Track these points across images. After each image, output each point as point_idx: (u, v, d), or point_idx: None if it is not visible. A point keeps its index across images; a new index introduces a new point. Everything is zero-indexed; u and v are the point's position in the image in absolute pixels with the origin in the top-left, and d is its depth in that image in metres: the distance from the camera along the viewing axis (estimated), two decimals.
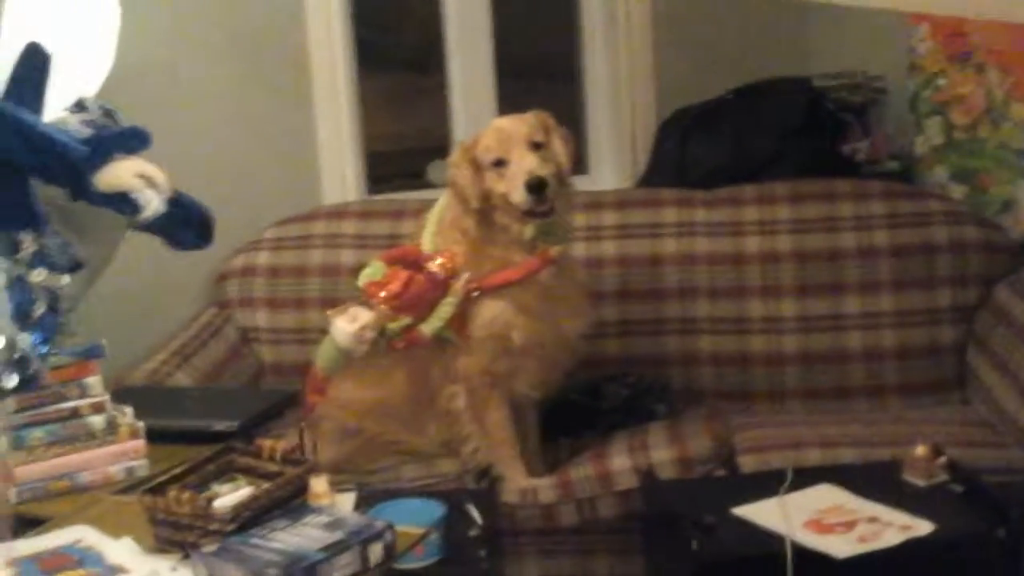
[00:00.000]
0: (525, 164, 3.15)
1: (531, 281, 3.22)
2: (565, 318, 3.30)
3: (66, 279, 2.60)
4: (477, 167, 3.22)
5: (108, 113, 2.78)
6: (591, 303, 3.45)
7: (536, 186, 3.13)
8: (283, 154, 4.09)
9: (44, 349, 2.54)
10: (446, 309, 3.17)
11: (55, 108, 2.66)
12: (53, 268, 2.57)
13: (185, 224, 2.75)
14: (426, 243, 3.28)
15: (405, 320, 3.13)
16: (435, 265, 3.17)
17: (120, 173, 2.56)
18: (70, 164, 2.52)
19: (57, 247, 2.60)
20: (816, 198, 3.82)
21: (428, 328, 3.17)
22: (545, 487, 3.27)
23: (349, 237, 3.88)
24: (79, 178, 2.53)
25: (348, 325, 3.06)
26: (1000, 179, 3.88)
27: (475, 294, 3.19)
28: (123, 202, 2.58)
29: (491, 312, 3.21)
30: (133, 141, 2.62)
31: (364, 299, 3.12)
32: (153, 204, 2.60)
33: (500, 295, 3.21)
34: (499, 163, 3.19)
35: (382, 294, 3.10)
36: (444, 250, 3.21)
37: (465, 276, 3.17)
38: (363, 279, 3.17)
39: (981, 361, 3.59)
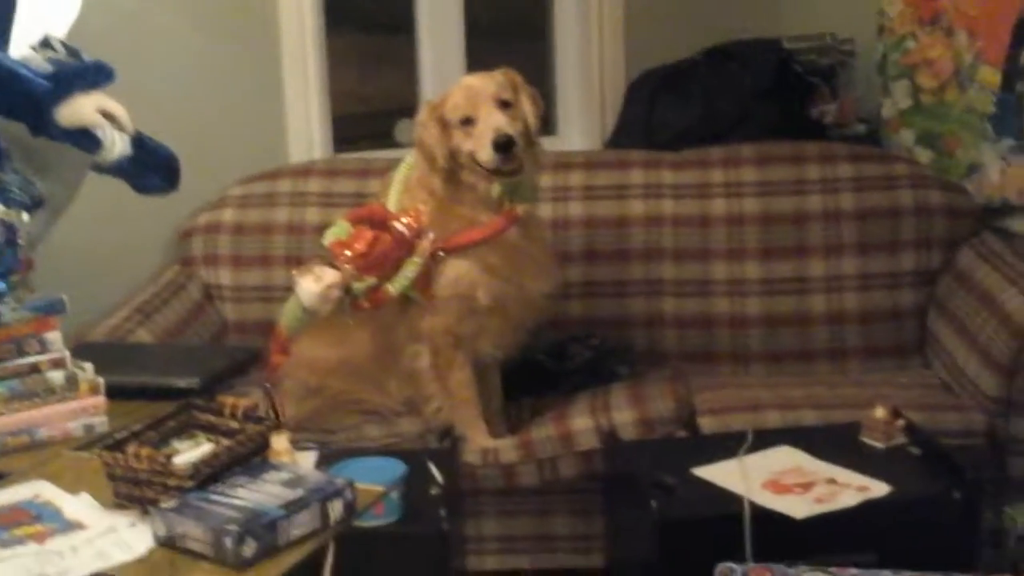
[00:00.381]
0: (492, 122, 3.14)
1: (497, 241, 3.21)
2: (530, 278, 3.30)
3: (26, 216, 2.58)
4: (444, 125, 3.20)
5: (73, 52, 2.75)
6: (557, 263, 3.45)
7: (504, 144, 3.12)
8: (249, 112, 4.06)
9: (1, 285, 2.51)
10: (411, 268, 3.16)
11: (20, 45, 2.63)
12: (13, 204, 2.54)
13: (150, 168, 2.73)
14: (392, 202, 3.27)
15: (371, 280, 3.12)
16: (401, 224, 3.16)
17: (81, 108, 2.54)
18: (32, 98, 2.49)
19: (18, 183, 2.58)
20: (783, 160, 3.83)
21: (393, 287, 3.16)
22: (506, 447, 3.28)
23: (315, 195, 3.86)
24: (40, 112, 2.50)
25: (313, 285, 3.05)
26: (966, 143, 3.89)
27: (440, 254, 3.18)
28: (85, 138, 2.55)
29: (456, 271, 3.20)
30: (96, 76, 2.59)
31: (329, 259, 3.11)
32: (118, 146, 2.58)
33: (465, 255, 3.20)
34: (467, 121, 3.18)
35: (347, 253, 3.09)
36: (410, 209, 3.20)
37: (430, 235, 3.16)
38: (329, 238, 3.15)
39: (942, 325, 3.61)
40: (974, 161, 3.88)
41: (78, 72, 2.58)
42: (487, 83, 3.21)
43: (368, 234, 3.13)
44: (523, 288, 3.29)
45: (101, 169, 2.70)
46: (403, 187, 3.30)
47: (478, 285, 3.21)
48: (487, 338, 3.30)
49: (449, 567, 2.74)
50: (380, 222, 3.17)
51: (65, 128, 2.52)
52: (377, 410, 3.36)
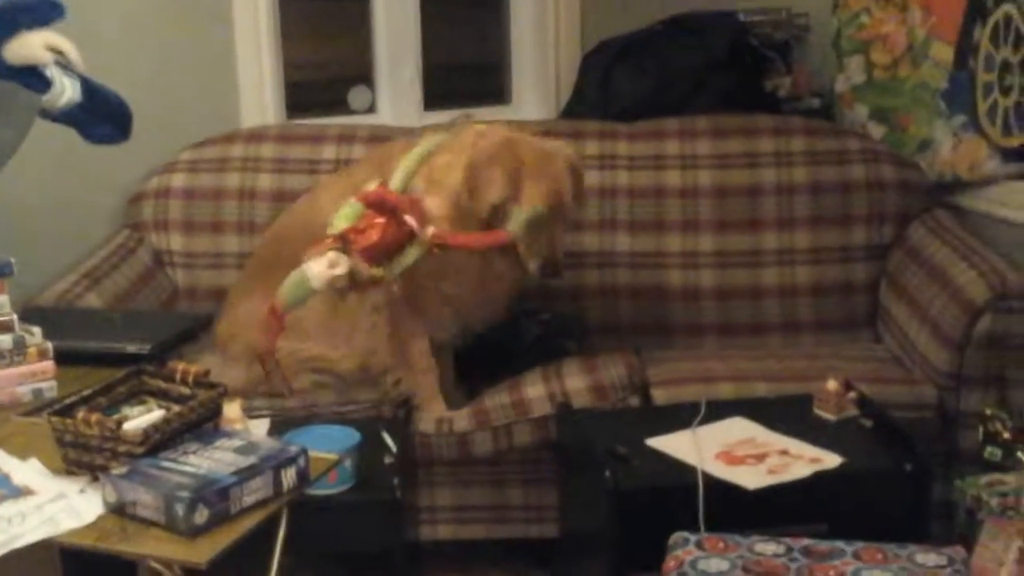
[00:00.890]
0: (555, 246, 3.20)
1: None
2: (497, 280, 3.31)
3: None
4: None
5: None
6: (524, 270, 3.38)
7: (549, 272, 3.21)
8: (201, 76, 4.00)
9: None
10: (410, 258, 3.11)
11: None
12: None
13: (101, 116, 2.68)
14: (396, 180, 3.22)
15: (376, 270, 3.08)
16: (411, 219, 3.10)
17: (30, 44, 2.48)
18: None
19: None
20: (737, 133, 3.84)
21: (389, 273, 3.11)
22: (461, 416, 3.27)
23: (268, 161, 3.82)
24: None
25: (327, 270, 2.99)
26: (919, 119, 3.91)
27: (436, 250, 3.13)
28: (32, 76, 2.50)
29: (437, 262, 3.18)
30: (46, 11, 2.53)
31: (342, 244, 3.04)
32: (68, 92, 2.53)
33: (456, 252, 3.18)
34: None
35: (360, 243, 3.04)
36: (418, 196, 3.17)
37: (430, 229, 3.12)
38: (341, 221, 3.08)
39: (893, 299, 3.63)
40: (926, 137, 3.89)
41: (26, 6, 2.51)
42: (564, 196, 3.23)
43: (379, 223, 3.07)
44: (486, 288, 3.32)
45: (50, 116, 2.64)
46: (419, 170, 3.24)
47: (448, 278, 3.22)
48: (441, 324, 3.31)
49: (402, 536, 2.73)
50: (391, 209, 3.12)
51: (12, 65, 2.45)
52: (330, 370, 3.33)
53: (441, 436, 3.25)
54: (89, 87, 2.61)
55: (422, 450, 3.24)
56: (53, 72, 2.51)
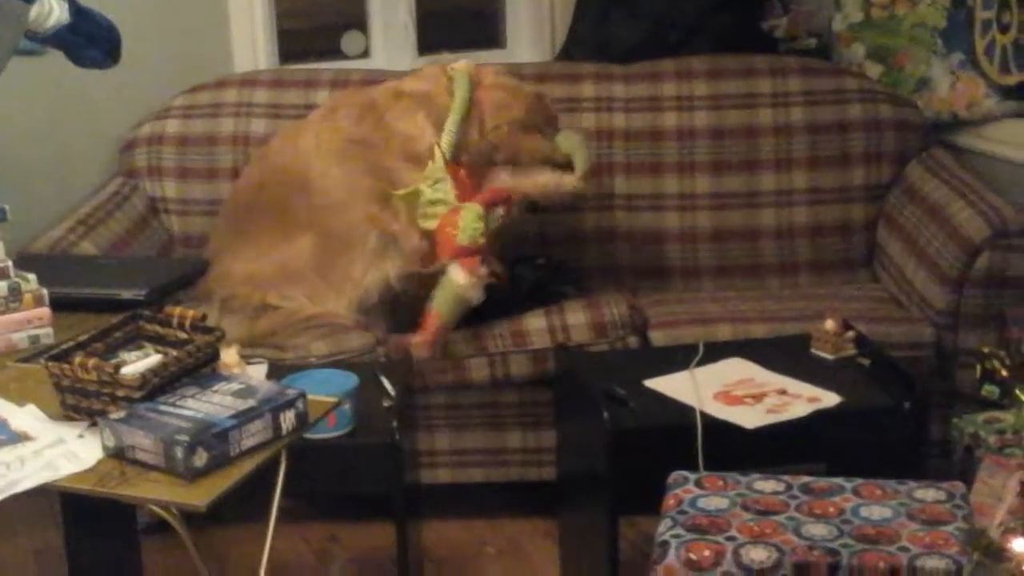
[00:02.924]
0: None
1: None
2: None
3: None
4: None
5: None
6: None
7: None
8: (193, 22, 3.97)
9: None
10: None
11: None
12: None
13: (90, 39, 2.65)
14: (447, 139, 3.31)
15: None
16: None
17: None
18: None
19: None
20: (734, 74, 3.81)
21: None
22: (457, 340, 3.26)
23: (261, 106, 3.79)
24: None
25: (475, 281, 3.16)
26: (916, 58, 3.89)
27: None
28: None
29: None
30: None
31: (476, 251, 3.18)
32: (55, 13, 2.49)
33: None
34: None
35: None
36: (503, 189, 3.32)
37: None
38: (474, 235, 3.17)
39: (891, 239, 3.63)
40: (924, 76, 3.87)
41: None
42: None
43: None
44: None
45: (39, 39, 2.61)
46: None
47: None
48: None
49: (401, 479, 2.73)
50: (504, 200, 3.27)
51: None
52: (328, 324, 3.32)
53: (436, 361, 3.24)
54: (77, 8, 2.58)
55: (417, 377, 3.22)
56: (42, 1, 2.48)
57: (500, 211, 3.25)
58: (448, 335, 3.21)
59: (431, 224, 3.23)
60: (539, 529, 3.32)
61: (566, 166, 3.40)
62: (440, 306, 3.18)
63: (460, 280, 3.15)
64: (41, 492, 2.12)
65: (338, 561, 3.31)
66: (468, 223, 3.17)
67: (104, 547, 2.86)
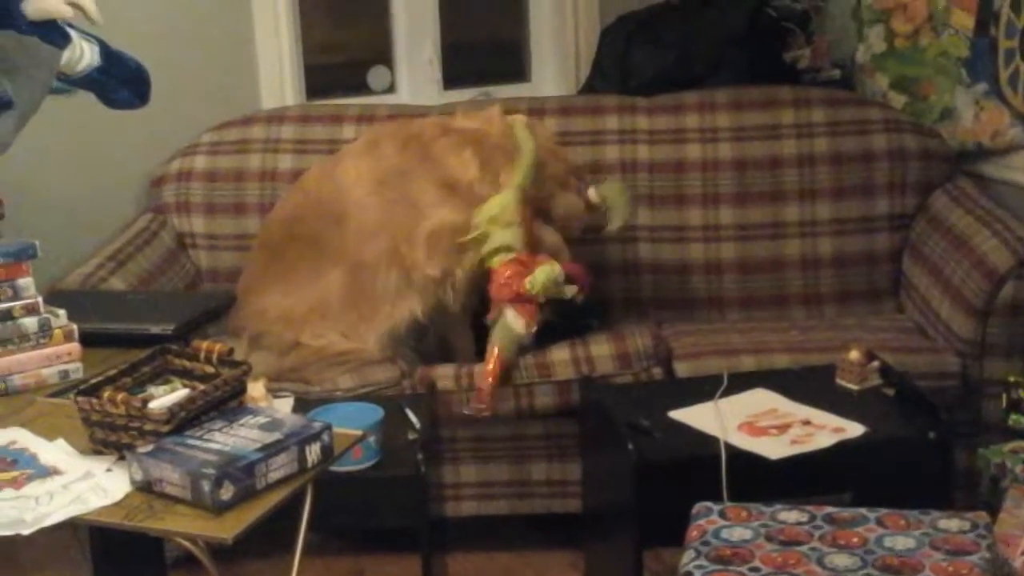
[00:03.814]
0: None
1: None
2: None
3: None
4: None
5: None
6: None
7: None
8: (221, 59, 4.03)
9: None
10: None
11: None
12: None
13: (120, 80, 2.69)
14: (518, 179, 3.36)
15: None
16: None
17: None
18: None
19: None
20: (757, 106, 3.83)
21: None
22: (480, 371, 3.27)
23: (288, 142, 3.83)
24: (6, 3, 2.44)
25: (528, 326, 3.28)
26: (940, 87, 3.89)
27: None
28: (52, 31, 2.51)
29: None
30: None
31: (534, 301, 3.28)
32: (87, 56, 2.54)
33: None
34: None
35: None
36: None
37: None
38: (544, 291, 3.27)
39: (916, 269, 3.63)
40: (948, 105, 3.88)
41: None
42: None
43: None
44: None
45: (71, 81, 2.66)
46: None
47: None
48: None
49: (426, 511, 2.74)
50: (581, 280, 3.42)
51: (32, 20, 2.47)
52: (357, 360, 3.34)
53: (462, 392, 3.26)
54: (107, 51, 2.62)
55: (443, 408, 3.24)
56: (73, 33, 2.52)
57: (574, 289, 3.34)
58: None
59: (492, 263, 3.28)
60: (565, 561, 3.32)
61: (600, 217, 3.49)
62: (501, 345, 3.25)
63: (519, 327, 3.24)
64: (69, 526, 2.15)
65: None
66: (546, 279, 3.24)
67: None
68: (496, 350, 3.22)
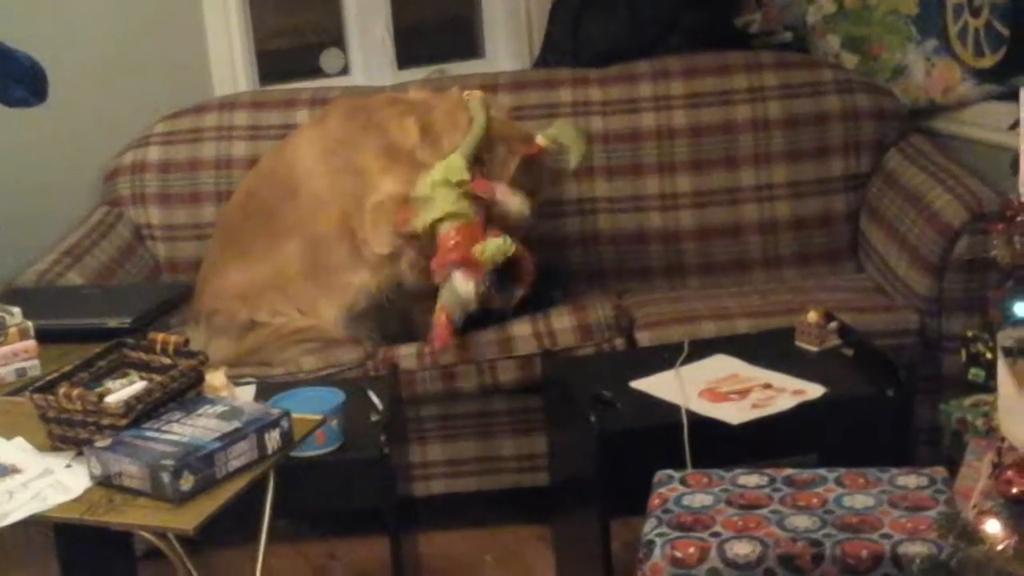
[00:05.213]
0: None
1: None
2: None
3: None
4: None
5: None
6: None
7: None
8: (171, 48, 3.99)
9: None
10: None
11: None
12: None
13: (15, 79, 2.66)
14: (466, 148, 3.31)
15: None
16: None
17: None
18: None
19: None
20: (709, 72, 3.82)
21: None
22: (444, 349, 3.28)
23: (242, 129, 3.81)
24: None
25: (472, 288, 3.21)
26: (891, 45, 3.90)
27: None
28: None
29: None
30: None
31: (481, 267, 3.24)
32: None
33: None
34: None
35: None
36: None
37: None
38: (492, 261, 3.23)
39: (873, 228, 3.64)
40: (899, 63, 3.89)
41: None
42: None
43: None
44: None
45: None
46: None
47: None
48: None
49: (393, 492, 2.75)
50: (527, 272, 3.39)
51: None
52: (317, 338, 3.34)
53: (425, 370, 3.26)
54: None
55: (407, 387, 3.24)
56: None
57: (519, 294, 3.35)
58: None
59: (440, 227, 3.25)
60: (535, 535, 3.34)
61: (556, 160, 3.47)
62: (449, 308, 3.21)
63: (468, 289, 3.20)
64: (39, 523, 2.15)
65: None
66: (496, 250, 3.22)
67: (102, 575, 2.88)
68: (444, 314, 3.21)
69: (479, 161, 3.31)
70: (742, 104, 3.78)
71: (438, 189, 3.23)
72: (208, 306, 3.42)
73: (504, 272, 3.28)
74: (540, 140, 3.38)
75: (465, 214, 3.23)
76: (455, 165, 3.24)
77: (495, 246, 3.22)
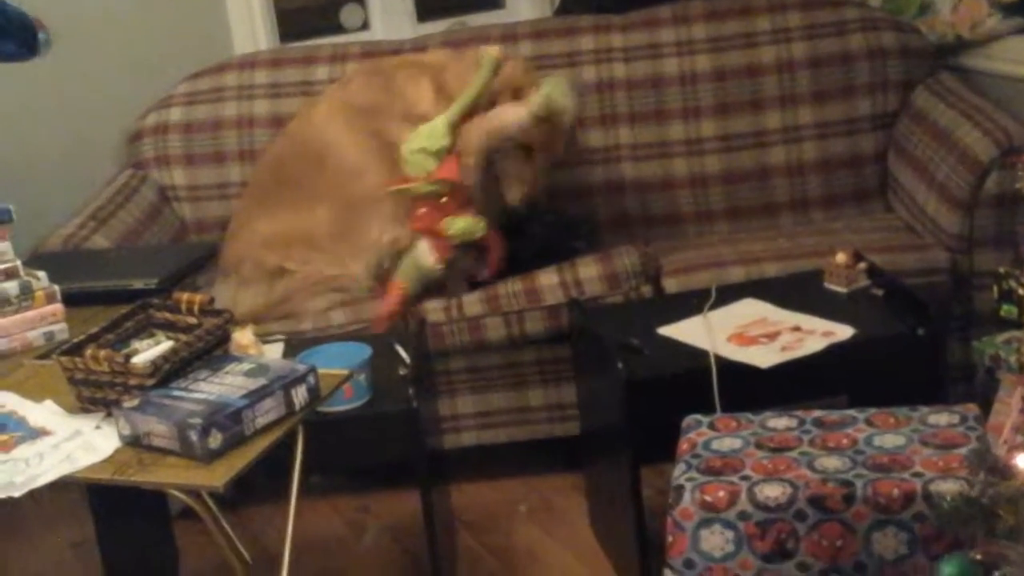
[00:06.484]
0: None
1: None
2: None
3: None
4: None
5: None
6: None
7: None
8: (190, 7, 4.01)
9: None
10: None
11: None
12: None
13: (4, 33, 2.64)
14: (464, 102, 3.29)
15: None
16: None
17: None
18: None
19: None
20: (732, 14, 3.78)
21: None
22: (471, 300, 3.28)
23: (262, 87, 3.80)
24: None
25: (440, 261, 3.24)
26: None
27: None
28: None
29: None
30: None
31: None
32: None
33: None
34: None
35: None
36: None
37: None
38: (461, 238, 3.25)
39: (901, 167, 3.60)
40: (925, 0, 3.83)
41: None
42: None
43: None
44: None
45: None
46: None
47: None
48: None
49: (422, 445, 2.75)
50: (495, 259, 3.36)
51: None
52: (345, 288, 3.35)
53: (452, 323, 3.26)
54: None
55: (435, 340, 3.24)
56: None
57: (484, 273, 3.33)
58: (410, 305, 3.25)
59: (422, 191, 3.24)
60: (568, 483, 3.34)
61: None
62: (405, 277, 3.24)
63: (430, 261, 3.23)
64: (75, 486, 2.16)
65: (371, 530, 3.34)
66: (465, 228, 3.23)
67: (136, 535, 2.90)
68: (397, 284, 3.23)
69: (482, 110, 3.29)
70: (766, 46, 3.74)
71: (413, 155, 3.22)
72: (237, 256, 3.43)
73: (472, 254, 3.30)
74: (535, 107, 3.28)
75: (433, 189, 3.22)
76: (437, 131, 3.23)
77: (464, 224, 3.23)
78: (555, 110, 3.28)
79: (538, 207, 3.38)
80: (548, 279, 3.30)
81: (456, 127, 3.25)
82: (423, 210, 3.23)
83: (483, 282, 3.32)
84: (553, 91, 3.28)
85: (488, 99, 3.30)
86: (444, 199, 3.23)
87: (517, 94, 3.31)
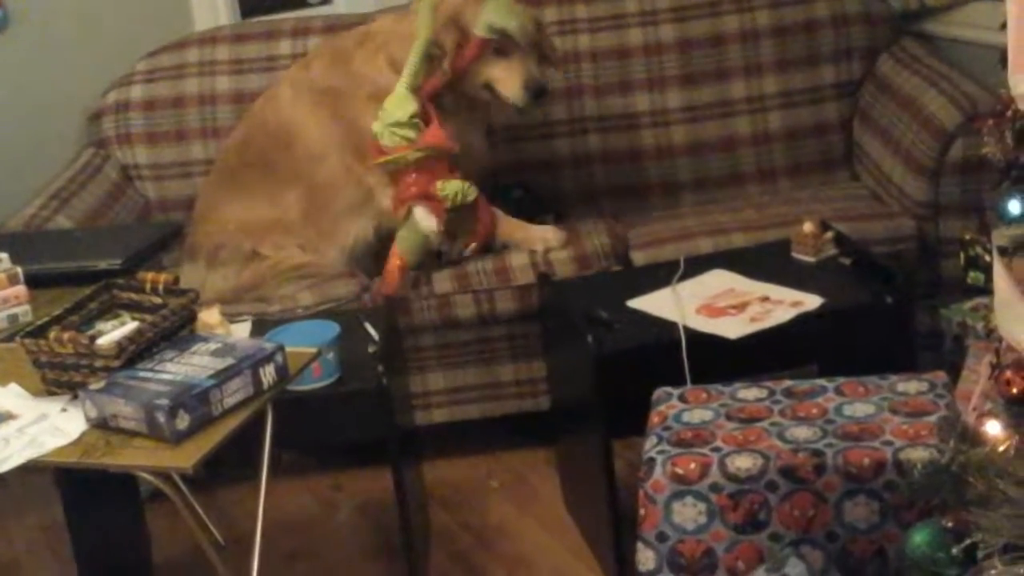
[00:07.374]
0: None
1: None
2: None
3: None
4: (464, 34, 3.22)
5: None
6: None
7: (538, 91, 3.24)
8: None
9: None
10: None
11: None
12: None
13: None
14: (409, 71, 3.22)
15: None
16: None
17: None
18: None
19: None
20: None
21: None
22: (441, 278, 3.26)
23: (224, 63, 3.76)
24: None
25: (433, 220, 3.22)
26: None
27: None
28: None
29: None
30: None
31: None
32: None
33: None
34: (499, 50, 3.22)
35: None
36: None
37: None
38: (453, 200, 3.22)
39: (867, 135, 3.60)
40: None
41: None
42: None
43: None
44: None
45: None
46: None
47: None
48: None
49: (393, 422, 2.74)
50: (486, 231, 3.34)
51: None
52: (316, 274, 3.33)
53: (421, 300, 3.25)
54: None
55: (405, 319, 3.22)
56: None
57: (472, 247, 3.31)
58: (410, 275, 3.25)
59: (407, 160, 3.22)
60: (539, 458, 3.34)
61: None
62: (405, 248, 3.22)
63: (431, 224, 3.20)
64: (42, 468, 2.14)
65: (344, 508, 3.33)
66: (457, 190, 3.21)
67: (106, 518, 2.88)
68: (396, 259, 3.22)
69: (438, 60, 3.25)
70: (730, 15, 3.72)
71: (388, 129, 3.20)
72: (211, 240, 3.40)
73: (460, 221, 3.27)
74: (481, 31, 3.24)
75: (421, 155, 3.20)
76: (401, 98, 3.20)
77: (456, 186, 3.21)
78: (501, 31, 3.24)
79: (545, 93, 3.33)
80: (519, 259, 3.28)
81: (417, 88, 3.22)
82: (413, 176, 3.20)
83: (455, 261, 3.30)
84: (494, 14, 3.24)
85: (437, 43, 3.24)
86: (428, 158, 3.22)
87: (462, 27, 3.25)
